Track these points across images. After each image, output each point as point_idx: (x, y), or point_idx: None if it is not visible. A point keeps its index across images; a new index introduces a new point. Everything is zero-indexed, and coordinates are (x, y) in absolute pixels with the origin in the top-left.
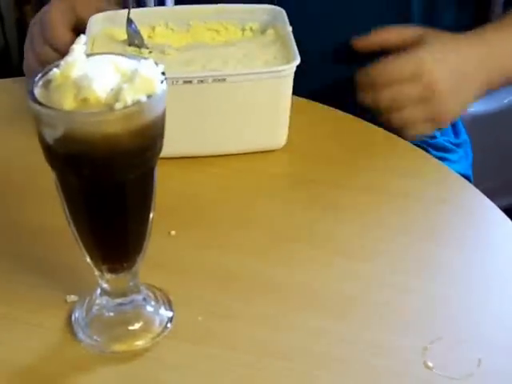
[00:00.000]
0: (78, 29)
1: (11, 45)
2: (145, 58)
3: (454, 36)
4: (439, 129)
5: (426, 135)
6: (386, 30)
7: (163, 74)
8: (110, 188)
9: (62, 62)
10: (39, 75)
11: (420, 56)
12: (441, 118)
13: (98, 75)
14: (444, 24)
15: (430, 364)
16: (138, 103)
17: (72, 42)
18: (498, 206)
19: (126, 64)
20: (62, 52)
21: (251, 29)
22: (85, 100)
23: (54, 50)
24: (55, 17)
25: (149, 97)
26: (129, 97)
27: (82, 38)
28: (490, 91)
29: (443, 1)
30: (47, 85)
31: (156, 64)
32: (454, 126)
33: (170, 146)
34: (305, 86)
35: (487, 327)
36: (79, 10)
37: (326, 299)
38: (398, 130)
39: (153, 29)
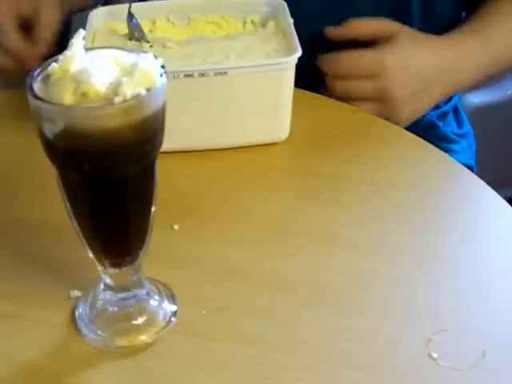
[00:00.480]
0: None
1: None
2: (144, 52)
3: (426, 38)
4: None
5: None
6: (358, 21)
7: (163, 67)
8: (110, 182)
9: (61, 57)
10: (38, 70)
11: (383, 57)
12: (392, 119)
13: (97, 69)
14: (443, 22)
15: (435, 355)
16: (137, 97)
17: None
18: (502, 197)
19: (126, 58)
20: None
21: (252, 22)
22: (84, 94)
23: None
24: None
25: (148, 90)
26: (128, 90)
27: (81, 33)
28: (489, 83)
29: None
30: (46, 79)
31: (155, 57)
32: (457, 116)
33: (172, 140)
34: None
35: (492, 319)
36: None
37: (329, 292)
38: None
39: (153, 23)
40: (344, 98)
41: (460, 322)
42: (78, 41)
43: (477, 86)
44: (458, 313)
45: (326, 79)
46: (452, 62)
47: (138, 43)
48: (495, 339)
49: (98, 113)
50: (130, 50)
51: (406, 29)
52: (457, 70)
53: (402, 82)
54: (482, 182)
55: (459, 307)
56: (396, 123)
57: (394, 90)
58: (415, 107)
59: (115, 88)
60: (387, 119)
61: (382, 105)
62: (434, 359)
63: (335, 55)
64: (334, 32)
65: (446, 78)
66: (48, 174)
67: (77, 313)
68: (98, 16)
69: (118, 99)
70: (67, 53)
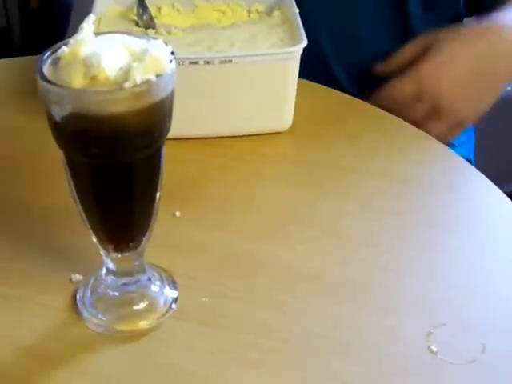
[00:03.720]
0: None
1: (13, 25)
2: (154, 38)
3: (464, 32)
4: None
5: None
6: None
7: (172, 53)
8: (117, 167)
9: (71, 40)
10: (48, 52)
11: (419, 74)
12: (462, 124)
13: (106, 54)
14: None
15: (434, 349)
16: (147, 82)
17: None
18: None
19: (135, 43)
20: None
21: (257, 10)
22: (94, 78)
23: None
24: None
25: (158, 76)
26: (138, 76)
27: (91, 17)
28: None
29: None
30: (56, 62)
31: (165, 44)
32: None
33: (175, 127)
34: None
35: (492, 313)
36: None
37: (329, 283)
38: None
39: (159, 9)
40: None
41: (460, 315)
42: (87, 25)
43: None
44: (458, 307)
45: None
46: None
47: (143, 29)
48: (495, 333)
49: (107, 97)
50: (139, 36)
51: (438, 33)
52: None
53: (450, 85)
54: (483, 175)
55: (460, 301)
56: (467, 123)
57: (444, 99)
58: (478, 100)
59: (125, 73)
60: (456, 127)
61: (444, 118)
62: (434, 353)
63: (377, 95)
64: (380, 68)
65: (505, 55)
66: (51, 157)
67: (78, 297)
68: (104, 1)
69: (127, 84)
70: (77, 36)
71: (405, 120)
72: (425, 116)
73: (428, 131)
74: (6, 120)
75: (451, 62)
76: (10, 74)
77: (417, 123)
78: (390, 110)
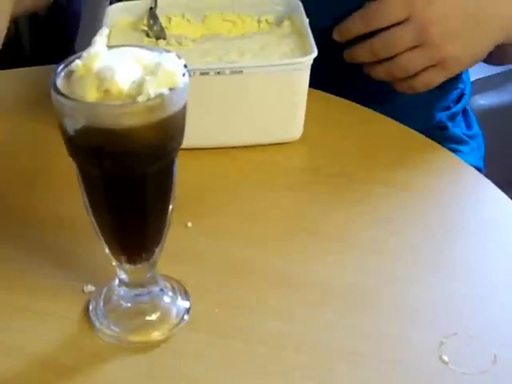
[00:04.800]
0: None
1: (23, 34)
2: (167, 51)
3: None
4: (448, 77)
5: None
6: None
7: (185, 66)
8: (130, 180)
9: (85, 54)
10: (62, 66)
11: (420, 19)
12: (446, 63)
13: (120, 67)
14: None
15: (446, 359)
16: (160, 96)
17: None
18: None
19: (148, 57)
20: None
21: (267, 21)
22: (107, 91)
23: None
24: None
25: (171, 90)
26: (151, 90)
27: (104, 30)
28: (497, 85)
29: None
30: (69, 75)
31: (178, 57)
32: (465, 117)
33: (186, 138)
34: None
35: (504, 323)
36: None
37: (340, 292)
38: (405, 85)
39: (169, 20)
40: (387, 56)
41: (472, 325)
42: (101, 38)
43: None
44: (470, 316)
45: (366, 68)
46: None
47: (153, 40)
48: (507, 344)
49: (120, 110)
50: (151, 49)
51: None
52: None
53: (440, 17)
54: (491, 183)
55: (471, 311)
56: (452, 67)
57: (433, 28)
58: (469, 46)
59: (138, 86)
60: (439, 67)
61: (427, 50)
62: (446, 363)
63: (368, 41)
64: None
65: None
66: (64, 168)
67: (90, 307)
68: (115, 12)
69: (141, 98)
70: (91, 50)
71: (377, 47)
72: (404, 42)
73: (401, 64)
74: (16, 130)
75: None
76: (21, 84)
77: (391, 50)
78: (375, 61)
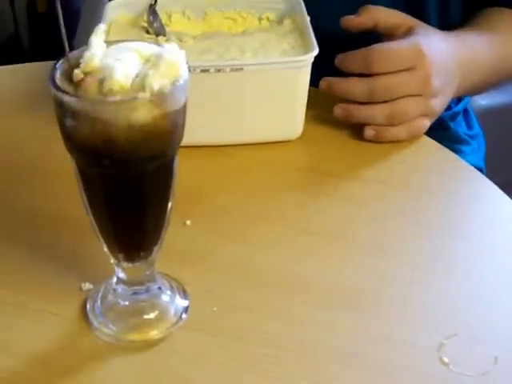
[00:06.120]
0: None
1: (22, 31)
2: (167, 44)
3: (440, 33)
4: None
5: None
6: (375, 9)
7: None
8: (129, 177)
9: (82, 60)
10: (60, 61)
11: (419, 47)
12: (432, 113)
13: (119, 64)
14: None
15: (446, 360)
16: (163, 89)
17: None
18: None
19: (148, 49)
20: None
21: (268, 18)
22: (110, 91)
23: None
24: None
25: (174, 82)
26: (155, 83)
27: (101, 28)
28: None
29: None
30: (68, 73)
31: (178, 48)
32: (466, 117)
33: (185, 135)
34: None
35: (504, 325)
36: None
37: (340, 293)
38: (395, 130)
39: (169, 17)
40: (387, 98)
41: (472, 327)
42: (96, 38)
43: (485, 88)
44: (470, 318)
45: (364, 83)
46: (464, 58)
47: (153, 36)
48: (507, 345)
49: (122, 107)
50: (152, 43)
51: (421, 23)
52: (468, 68)
53: (437, 70)
54: (492, 184)
55: (472, 312)
56: (433, 117)
57: (432, 79)
58: (445, 96)
59: (142, 81)
60: (426, 117)
61: (424, 98)
62: (446, 364)
63: (364, 52)
64: (352, 21)
65: (462, 72)
66: (62, 165)
67: (88, 306)
68: (114, 8)
69: (142, 94)
70: (86, 54)
71: (381, 86)
72: (408, 88)
73: (398, 109)
74: (15, 126)
75: (436, 50)
76: (19, 80)
77: (393, 94)
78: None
